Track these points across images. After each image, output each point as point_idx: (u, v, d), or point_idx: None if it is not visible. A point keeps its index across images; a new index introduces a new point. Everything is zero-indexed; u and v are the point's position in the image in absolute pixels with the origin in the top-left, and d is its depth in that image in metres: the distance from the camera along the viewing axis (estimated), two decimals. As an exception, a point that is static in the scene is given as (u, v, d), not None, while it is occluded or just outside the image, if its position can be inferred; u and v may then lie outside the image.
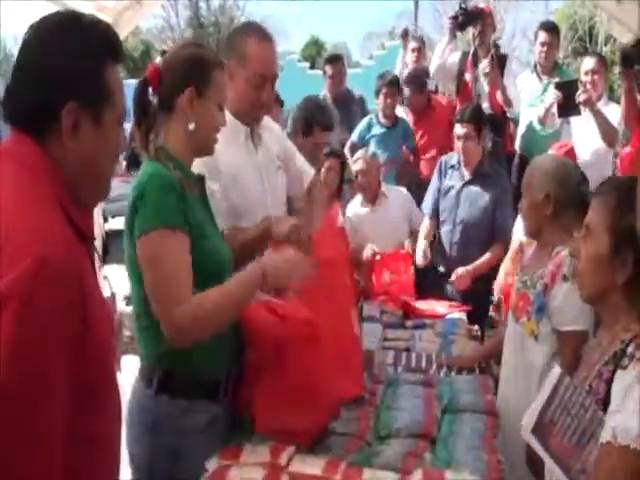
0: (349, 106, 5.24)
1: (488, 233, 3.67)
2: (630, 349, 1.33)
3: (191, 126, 1.80)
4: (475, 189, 3.71)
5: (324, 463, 1.71)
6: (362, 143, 4.77)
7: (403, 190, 4.18)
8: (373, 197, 3.98)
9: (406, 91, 5.11)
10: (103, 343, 1.21)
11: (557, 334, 2.11)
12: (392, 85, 4.87)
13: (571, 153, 3.57)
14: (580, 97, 4.16)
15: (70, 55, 1.18)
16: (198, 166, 1.93)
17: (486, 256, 3.61)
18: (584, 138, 4.33)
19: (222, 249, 1.87)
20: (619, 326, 1.43)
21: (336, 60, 5.43)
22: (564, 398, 1.39)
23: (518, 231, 3.50)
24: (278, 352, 1.80)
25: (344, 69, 5.41)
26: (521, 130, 4.93)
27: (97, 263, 1.33)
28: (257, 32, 2.22)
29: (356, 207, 4.02)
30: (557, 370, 1.45)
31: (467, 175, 3.74)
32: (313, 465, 1.70)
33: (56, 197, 1.18)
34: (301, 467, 1.70)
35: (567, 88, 4.24)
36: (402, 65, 5.80)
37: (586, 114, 4.25)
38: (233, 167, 2.17)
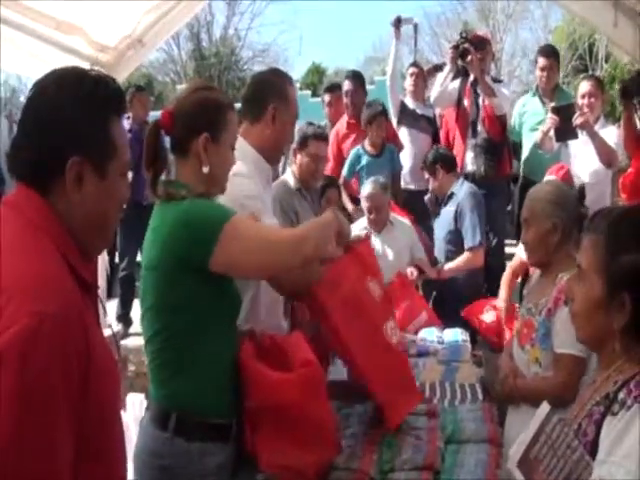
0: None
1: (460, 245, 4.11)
2: (621, 395, 1.26)
3: (205, 169, 1.83)
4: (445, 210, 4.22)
5: (328, 500, 1.71)
6: (352, 177, 4.91)
7: (407, 222, 4.22)
8: (381, 227, 4.02)
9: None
10: (108, 394, 1.21)
11: (553, 356, 2.11)
12: (381, 115, 4.93)
13: (567, 175, 3.60)
14: (577, 120, 4.19)
15: (74, 110, 1.21)
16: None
17: (455, 261, 4.06)
18: (582, 160, 4.35)
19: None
20: (614, 367, 1.34)
21: (335, 89, 5.50)
22: (551, 437, 1.34)
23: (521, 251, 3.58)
24: (276, 398, 1.79)
25: (342, 98, 5.45)
26: (525, 153, 4.97)
27: (101, 310, 1.34)
28: (288, 77, 2.44)
29: (361, 229, 4.03)
30: (545, 407, 1.40)
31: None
32: (316, 502, 1.70)
33: (59, 250, 1.19)
34: (304, 504, 1.70)
35: (564, 112, 4.27)
36: (395, 58, 5.74)
37: (584, 136, 4.27)
38: (259, 203, 2.19)
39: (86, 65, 3.90)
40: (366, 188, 3.97)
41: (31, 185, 1.22)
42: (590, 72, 14.88)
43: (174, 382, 1.77)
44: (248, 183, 2.17)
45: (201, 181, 1.85)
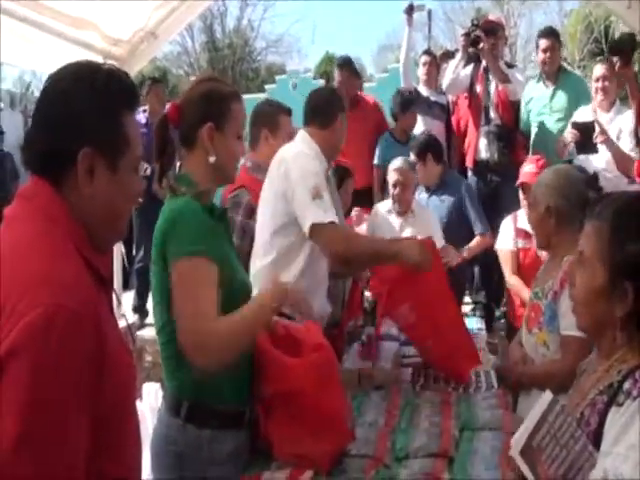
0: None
1: (464, 232, 4.26)
2: (627, 385, 1.24)
3: (212, 159, 1.86)
4: (436, 199, 4.36)
5: (342, 487, 1.73)
6: (383, 163, 4.83)
7: (429, 210, 4.22)
8: (405, 209, 4.02)
9: None
10: (122, 388, 1.22)
11: (560, 339, 2.12)
12: (412, 104, 4.96)
13: (546, 165, 3.54)
14: (597, 139, 4.17)
15: (87, 103, 1.23)
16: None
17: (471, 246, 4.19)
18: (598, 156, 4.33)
19: (247, 281, 1.94)
20: (616, 356, 1.33)
21: (346, 64, 5.31)
22: (554, 426, 1.31)
23: (502, 241, 3.79)
24: (289, 384, 1.81)
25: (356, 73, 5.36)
26: (533, 139, 4.94)
27: (115, 302, 1.36)
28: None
29: (384, 210, 4.09)
30: (548, 395, 1.37)
31: (424, 190, 4.42)
32: (331, 489, 1.72)
33: (73, 243, 1.21)
34: (319, 491, 1.72)
35: (584, 129, 4.24)
36: (408, 46, 5.75)
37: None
38: (322, 180, 2.51)
39: (100, 59, 3.93)
40: (395, 162, 4.04)
41: (44, 177, 1.23)
42: (606, 55, 14.71)
43: (182, 373, 1.81)
44: (313, 161, 2.52)
45: (208, 171, 1.87)
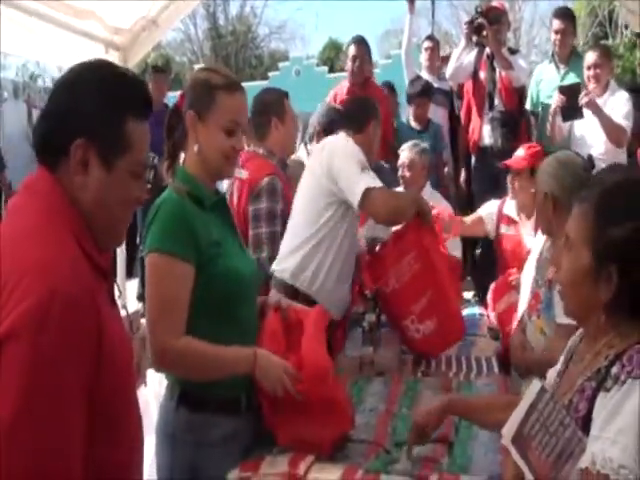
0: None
1: None
2: (614, 370, 1.23)
3: (195, 148, 1.87)
4: None
5: (342, 471, 1.76)
6: None
7: (443, 200, 4.20)
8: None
9: None
10: (121, 375, 1.24)
11: (555, 326, 2.14)
12: (422, 94, 4.97)
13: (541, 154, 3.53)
14: (582, 100, 4.14)
15: (89, 96, 1.25)
16: None
17: None
18: (594, 138, 4.32)
19: (242, 267, 1.91)
20: (603, 342, 1.31)
21: (363, 41, 5.09)
22: (543, 414, 1.31)
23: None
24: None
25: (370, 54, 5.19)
26: (540, 120, 4.91)
27: (117, 294, 1.37)
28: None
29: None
30: (537, 384, 1.36)
31: None
32: (331, 473, 1.75)
33: (73, 233, 1.22)
34: (319, 475, 1.75)
35: (571, 91, 4.22)
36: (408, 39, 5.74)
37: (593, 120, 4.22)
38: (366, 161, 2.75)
39: (102, 48, 3.94)
40: (406, 145, 4.09)
41: (45, 165, 1.26)
42: (610, 39, 14.61)
43: None
44: (359, 147, 2.71)
45: (195, 161, 1.89)
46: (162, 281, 1.75)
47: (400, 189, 4.04)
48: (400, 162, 4.00)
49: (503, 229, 3.63)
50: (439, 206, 3.70)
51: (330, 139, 2.88)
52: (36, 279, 1.11)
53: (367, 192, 2.53)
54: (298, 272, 2.67)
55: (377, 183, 2.59)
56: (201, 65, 2.21)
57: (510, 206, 3.54)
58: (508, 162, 3.50)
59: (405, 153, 4.01)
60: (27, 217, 1.22)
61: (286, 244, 2.78)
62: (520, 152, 3.50)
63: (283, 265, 2.72)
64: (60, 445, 1.09)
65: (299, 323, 1.97)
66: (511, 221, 3.55)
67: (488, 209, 3.75)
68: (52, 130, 1.25)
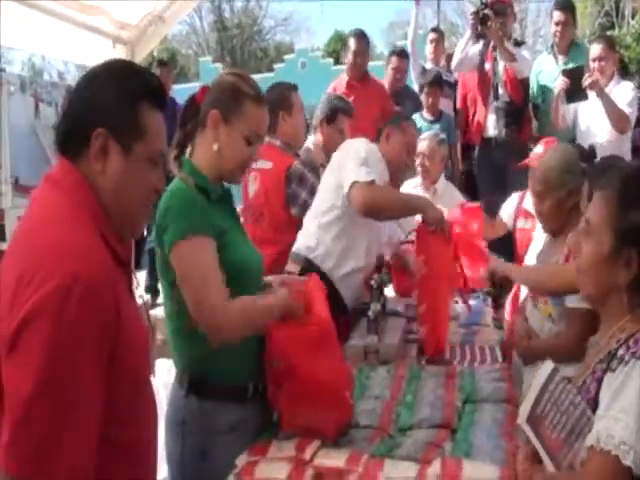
0: (404, 102, 5.26)
1: None
2: (621, 351, 1.28)
3: (215, 147, 1.90)
4: None
5: (347, 456, 1.80)
6: None
7: (456, 191, 4.21)
8: (431, 180, 4.06)
9: None
10: (138, 358, 1.30)
11: (565, 311, 2.17)
12: (434, 83, 4.99)
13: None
14: (586, 82, 4.15)
15: (108, 89, 1.33)
16: None
17: None
18: (597, 125, 4.32)
19: (249, 254, 1.96)
20: (618, 325, 1.35)
21: (364, 35, 5.20)
22: (554, 394, 1.36)
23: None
24: (294, 357, 1.87)
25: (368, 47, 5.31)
26: (540, 111, 4.93)
27: (134, 283, 1.43)
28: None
29: (411, 187, 4.09)
30: (548, 365, 1.41)
31: None
32: (336, 458, 1.79)
33: (94, 221, 1.29)
34: (325, 460, 1.79)
35: (575, 74, 4.23)
36: (415, 24, 5.76)
37: (596, 102, 4.22)
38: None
39: (109, 43, 3.98)
40: (426, 134, 4.10)
41: (67, 156, 1.32)
42: (617, 29, 14.52)
43: (184, 348, 1.92)
44: (376, 148, 2.89)
45: (211, 159, 1.91)
46: (196, 259, 1.77)
47: (417, 179, 4.09)
48: (420, 150, 3.95)
49: (520, 223, 3.64)
50: (452, 200, 3.71)
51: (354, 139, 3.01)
52: (60, 261, 1.17)
53: (353, 184, 2.69)
54: (314, 247, 2.86)
55: (369, 178, 2.69)
56: (229, 69, 2.31)
57: (529, 200, 3.55)
58: (528, 161, 3.48)
59: (426, 142, 3.99)
60: (54, 208, 1.28)
61: (306, 222, 3.01)
62: (538, 149, 3.50)
63: (301, 240, 2.93)
64: (76, 417, 1.14)
65: (299, 294, 2.01)
66: (529, 215, 3.55)
67: (507, 208, 3.74)
68: (75, 123, 1.33)
